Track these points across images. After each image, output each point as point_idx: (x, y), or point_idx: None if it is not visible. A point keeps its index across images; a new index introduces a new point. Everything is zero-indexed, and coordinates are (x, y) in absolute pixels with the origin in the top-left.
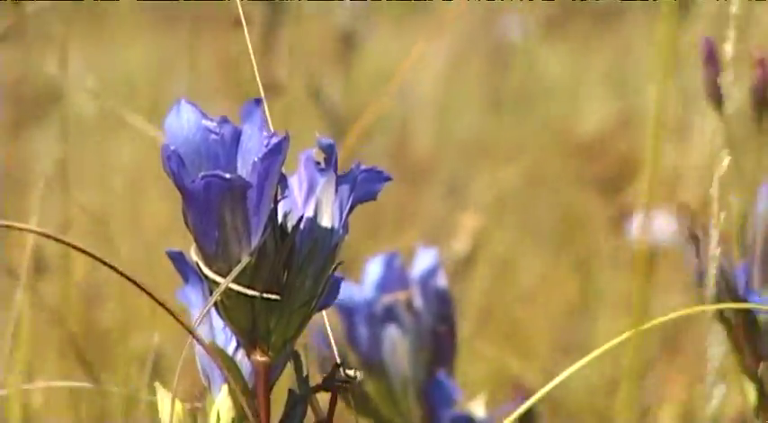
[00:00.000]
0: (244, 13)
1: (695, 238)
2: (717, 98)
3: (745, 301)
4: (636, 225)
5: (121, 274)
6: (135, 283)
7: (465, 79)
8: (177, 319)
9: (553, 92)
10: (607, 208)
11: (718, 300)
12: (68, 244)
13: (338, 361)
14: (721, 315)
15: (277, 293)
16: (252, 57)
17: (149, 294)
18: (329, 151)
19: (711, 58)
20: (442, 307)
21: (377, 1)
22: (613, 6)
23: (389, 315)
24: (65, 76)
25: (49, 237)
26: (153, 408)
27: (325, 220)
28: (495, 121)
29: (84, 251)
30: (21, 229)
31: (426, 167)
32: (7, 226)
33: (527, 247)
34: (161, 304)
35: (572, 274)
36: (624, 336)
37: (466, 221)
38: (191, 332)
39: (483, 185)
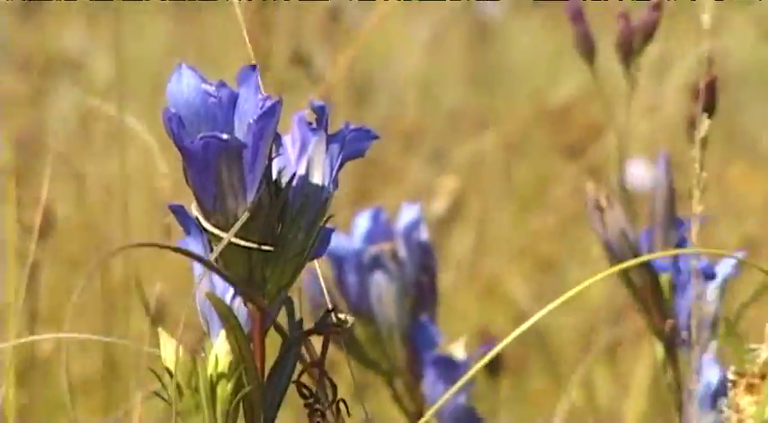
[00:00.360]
0: None
1: (600, 208)
2: (588, 51)
3: (647, 264)
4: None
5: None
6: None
7: (448, 54)
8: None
9: (527, 65)
10: (575, 169)
11: (621, 263)
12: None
13: (330, 307)
14: (627, 278)
15: (272, 245)
16: (244, 32)
17: (158, 245)
18: (320, 113)
19: (579, 16)
20: (424, 257)
21: None
22: None
23: (376, 264)
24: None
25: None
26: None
27: (317, 177)
28: (475, 92)
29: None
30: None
31: (412, 134)
32: None
33: (504, 205)
34: (174, 249)
35: (545, 230)
36: (586, 283)
37: (446, 183)
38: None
39: (463, 151)
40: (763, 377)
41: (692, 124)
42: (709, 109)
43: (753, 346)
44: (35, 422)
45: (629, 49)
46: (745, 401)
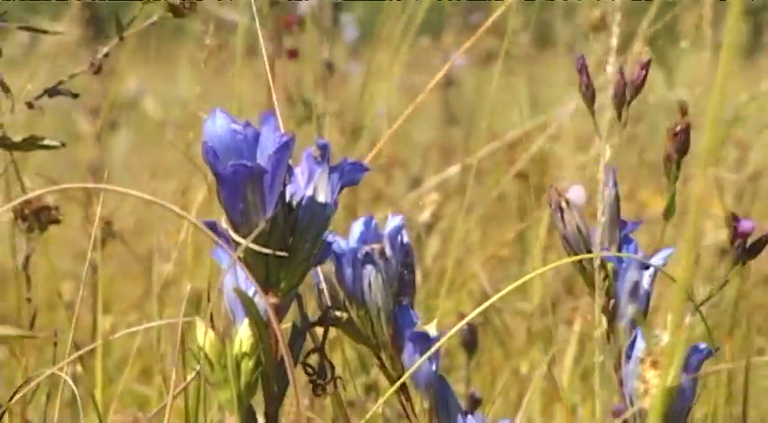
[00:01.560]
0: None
1: (561, 209)
2: (589, 98)
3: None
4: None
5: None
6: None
7: (432, 104)
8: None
9: (485, 107)
10: (527, 190)
11: (576, 255)
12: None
13: (329, 305)
14: (581, 267)
15: (285, 252)
16: (271, 83)
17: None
18: (324, 149)
19: (584, 71)
20: (405, 256)
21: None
22: (535, 46)
23: (367, 260)
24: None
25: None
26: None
27: (321, 199)
28: (444, 129)
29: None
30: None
31: (394, 163)
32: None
33: (470, 219)
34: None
35: (504, 238)
36: (537, 272)
37: (428, 200)
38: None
39: (436, 176)
40: (663, 356)
41: (668, 161)
42: (683, 151)
43: (657, 331)
44: (94, 386)
45: (622, 100)
46: (650, 375)
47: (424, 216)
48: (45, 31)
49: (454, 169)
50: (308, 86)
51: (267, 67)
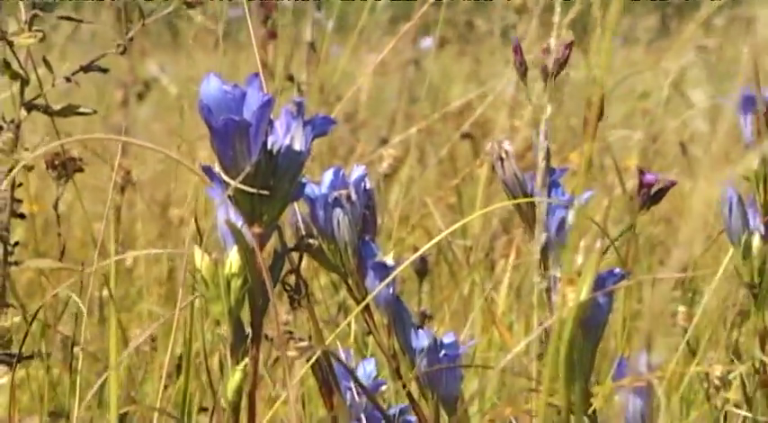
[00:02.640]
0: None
1: (501, 159)
2: (522, 72)
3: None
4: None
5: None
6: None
7: (392, 76)
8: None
9: (441, 83)
10: (468, 148)
11: (515, 198)
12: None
13: (303, 233)
14: (519, 208)
15: (267, 191)
16: (257, 59)
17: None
18: (299, 106)
19: (518, 50)
20: (368, 200)
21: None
22: (478, 35)
23: (336, 203)
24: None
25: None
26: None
27: (297, 147)
28: (407, 100)
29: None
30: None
31: (365, 126)
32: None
33: (425, 170)
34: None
35: (450, 186)
36: (478, 213)
37: (387, 154)
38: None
39: (399, 136)
40: (578, 275)
41: (586, 125)
42: (598, 117)
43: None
44: (121, 308)
45: (547, 74)
46: (567, 290)
47: (383, 167)
48: (81, 20)
49: (413, 131)
50: (294, 64)
51: (255, 48)
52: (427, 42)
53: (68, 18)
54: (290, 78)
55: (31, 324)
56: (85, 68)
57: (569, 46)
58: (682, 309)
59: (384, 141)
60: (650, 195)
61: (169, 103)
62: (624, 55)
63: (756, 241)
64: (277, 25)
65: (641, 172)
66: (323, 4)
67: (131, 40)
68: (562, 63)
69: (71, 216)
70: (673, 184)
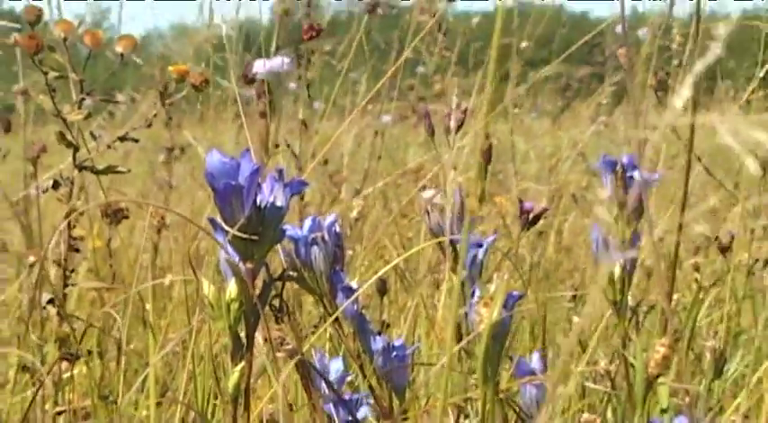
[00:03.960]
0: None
1: (427, 212)
2: (430, 134)
3: (451, 240)
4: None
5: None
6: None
7: (363, 142)
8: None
9: (398, 147)
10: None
11: (436, 237)
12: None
13: (284, 268)
14: (441, 246)
15: (256, 236)
16: (246, 133)
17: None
18: (280, 172)
19: (427, 116)
20: (337, 240)
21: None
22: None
23: (314, 242)
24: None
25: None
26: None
27: (279, 204)
28: (375, 161)
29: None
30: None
31: (345, 181)
32: None
33: (386, 216)
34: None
35: (407, 226)
36: (418, 247)
37: (357, 204)
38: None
39: (370, 188)
40: (491, 299)
41: (480, 169)
42: (488, 161)
43: (488, 285)
44: (159, 317)
45: (449, 131)
46: (483, 311)
47: (354, 214)
48: (117, 102)
49: (380, 184)
50: (288, 136)
51: (245, 125)
52: (386, 118)
53: (107, 100)
54: (288, 146)
55: (86, 329)
56: (121, 138)
57: (464, 112)
58: (576, 319)
59: (358, 192)
60: (528, 219)
61: (199, 163)
62: (537, 125)
63: (618, 270)
64: (276, 105)
65: (521, 201)
66: (315, 89)
67: (170, 118)
68: (459, 124)
69: (125, 249)
70: (545, 210)
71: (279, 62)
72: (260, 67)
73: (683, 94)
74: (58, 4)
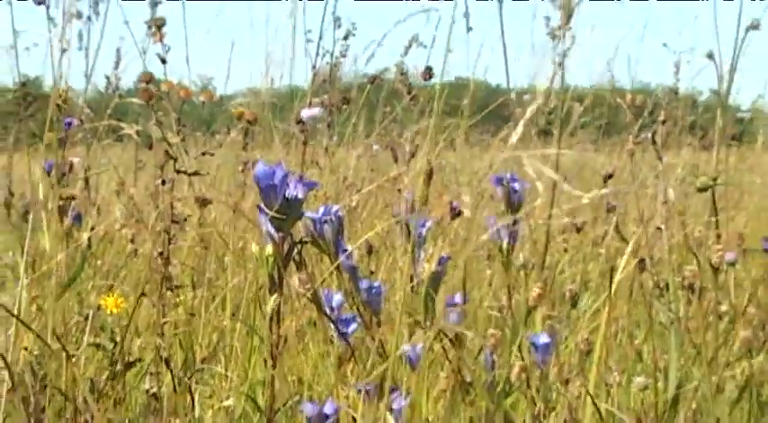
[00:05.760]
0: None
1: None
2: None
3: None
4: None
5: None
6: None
7: (364, 160)
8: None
9: (383, 164)
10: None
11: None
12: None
13: (303, 236)
14: (400, 224)
15: (285, 216)
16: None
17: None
18: (301, 177)
19: (393, 149)
20: (339, 220)
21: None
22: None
23: (325, 221)
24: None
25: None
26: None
27: (299, 196)
28: (372, 172)
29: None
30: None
31: (350, 185)
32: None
33: (376, 205)
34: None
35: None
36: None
37: (354, 198)
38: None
39: (365, 188)
40: (430, 258)
41: (426, 180)
42: (429, 179)
43: (430, 249)
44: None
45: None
46: (426, 265)
47: (353, 204)
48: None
49: (371, 186)
50: (316, 156)
51: (282, 150)
52: (376, 146)
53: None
54: (316, 163)
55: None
56: (203, 153)
57: (416, 146)
58: (488, 272)
59: (358, 190)
60: (455, 212)
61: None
62: (469, 153)
63: (504, 244)
64: (310, 137)
65: (450, 202)
66: (333, 129)
67: (246, 143)
68: (413, 153)
69: (214, 223)
70: (461, 209)
71: (316, 111)
72: (305, 113)
73: (514, 135)
74: (164, 71)
